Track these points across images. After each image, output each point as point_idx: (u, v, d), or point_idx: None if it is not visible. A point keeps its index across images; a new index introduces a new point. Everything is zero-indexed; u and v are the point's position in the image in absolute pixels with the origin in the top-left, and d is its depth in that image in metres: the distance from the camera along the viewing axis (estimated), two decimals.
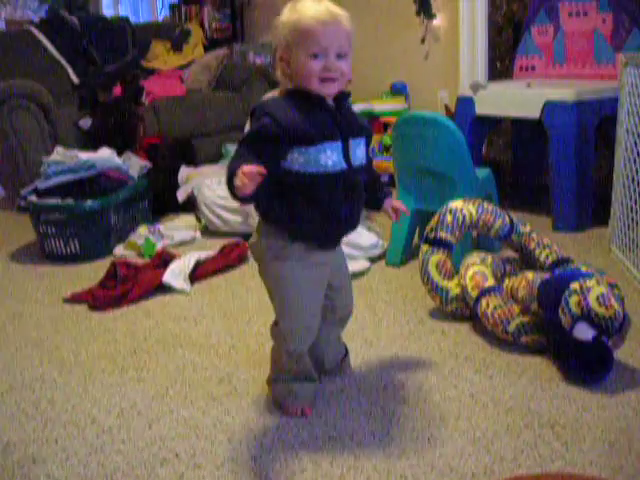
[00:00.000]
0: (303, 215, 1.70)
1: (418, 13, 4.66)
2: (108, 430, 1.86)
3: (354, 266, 2.85)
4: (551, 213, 3.38)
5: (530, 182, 4.02)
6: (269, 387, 1.96)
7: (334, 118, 1.69)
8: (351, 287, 1.98)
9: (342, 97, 1.73)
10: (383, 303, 2.58)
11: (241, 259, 3.10)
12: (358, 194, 1.78)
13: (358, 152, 1.74)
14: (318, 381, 1.96)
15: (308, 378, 1.91)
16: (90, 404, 2.00)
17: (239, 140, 1.66)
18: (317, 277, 1.80)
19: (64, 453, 1.77)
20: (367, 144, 1.80)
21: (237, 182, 1.51)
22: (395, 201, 1.96)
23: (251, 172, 1.49)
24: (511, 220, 2.49)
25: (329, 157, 1.67)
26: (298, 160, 1.65)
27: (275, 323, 1.87)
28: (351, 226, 1.80)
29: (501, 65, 4.48)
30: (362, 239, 3.00)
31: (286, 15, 1.69)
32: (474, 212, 2.43)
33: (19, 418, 1.95)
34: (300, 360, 1.88)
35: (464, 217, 2.42)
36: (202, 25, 6.07)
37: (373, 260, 3.02)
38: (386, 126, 4.57)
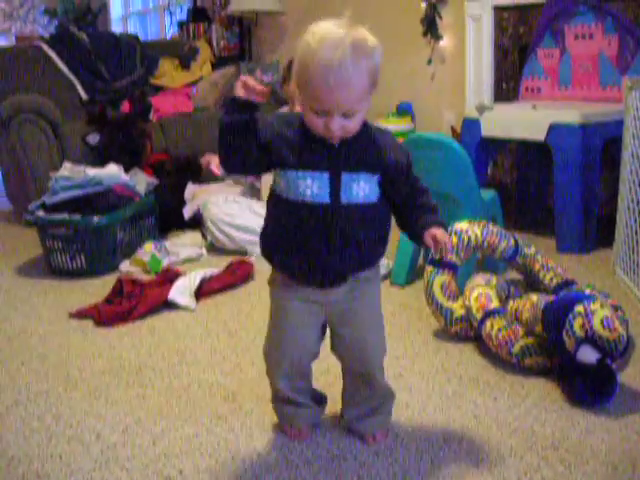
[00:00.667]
0: (279, 243, 1.62)
1: (425, 34, 4.69)
2: (112, 446, 1.86)
3: None
4: (555, 235, 3.39)
5: (535, 204, 4.03)
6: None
7: (329, 148, 1.54)
8: (372, 342, 1.74)
9: (354, 139, 1.56)
10: (387, 323, 2.52)
11: (247, 277, 3.11)
12: (348, 237, 1.58)
13: (356, 189, 1.56)
14: (315, 407, 1.87)
15: (302, 405, 1.83)
16: (95, 420, 2.00)
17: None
18: (304, 313, 1.68)
19: (68, 469, 1.77)
20: (395, 180, 1.62)
21: (239, 92, 1.49)
22: (436, 230, 1.64)
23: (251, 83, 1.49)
24: (516, 242, 2.50)
25: (308, 186, 1.55)
26: (280, 183, 1.58)
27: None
28: (335, 271, 1.61)
29: (507, 87, 4.50)
30: None
31: (302, 46, 1.47)
32: (479, 234, 2.45)
33: (24, 432, 1.96)
34: (290, 393, 1.80)
35: (469, 238, 2.43)
36: (210, 43, 6.12)
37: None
38: None
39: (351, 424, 1.85)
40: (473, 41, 4.40)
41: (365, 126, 1.58)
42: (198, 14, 6.53)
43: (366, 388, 1.79)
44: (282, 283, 1.68)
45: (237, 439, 1.87)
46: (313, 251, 1.58)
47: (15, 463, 1.81)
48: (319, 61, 1.42)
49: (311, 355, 1.76)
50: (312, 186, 1.54)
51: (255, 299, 2.89)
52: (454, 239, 2.43)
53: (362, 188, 1.57)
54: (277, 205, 1.61)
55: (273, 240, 1.63)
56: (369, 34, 1.48)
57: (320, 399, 1.90)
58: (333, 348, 1.77)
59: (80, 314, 2.78)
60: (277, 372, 1.77)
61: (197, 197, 3.81)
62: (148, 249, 3.32)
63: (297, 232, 1.58)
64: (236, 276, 3.03)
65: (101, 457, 1.82)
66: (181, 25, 6.66)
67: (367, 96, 1.49)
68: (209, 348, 2.46)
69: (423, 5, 4.68)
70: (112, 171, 3.45)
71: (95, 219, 3.24)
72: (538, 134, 3.34)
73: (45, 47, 5.01)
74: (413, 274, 2.98)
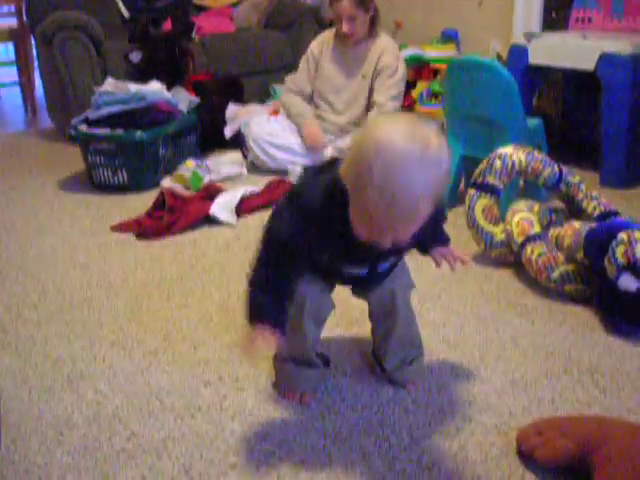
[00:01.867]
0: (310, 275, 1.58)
1: None
2: (154, 352, 1.91)
3: None
4: (599, 169, 3.34)
5: (579, 136, 3.96)
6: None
7: (361, 249, 1.37)
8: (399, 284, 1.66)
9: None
10: None
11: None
12: (382, 277, 1.61)
13: (388, 263, 1.58)
14: (322, 368, 1.76)
15: (310, 364, 1.72)
16: (137, 326, 2.05)
17: (265, 235, 1.50)
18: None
19: (111, 371, 1.83)
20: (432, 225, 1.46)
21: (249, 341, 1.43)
22: (444, 249, 1.67)
23: (265, 340, 1.41)
24: (560, 169, 2.47)
25: (351, 270, 1.55)
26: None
27: None
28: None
29: (557, 16, 4.38)
30: None
31: (365, 145, 1.21)
32: (524, 159, 2.42)
33: (68, 336, 2.02)
34: (301, 336, 1.65)
35: (513, 163, 2.41)
36: None
37: None
38: (436, 72, 4.53)
39: (392, 375, 1.75)
40: None
41: None
42: None
43: (394, 327, 1.68)
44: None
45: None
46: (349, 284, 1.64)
47: (60, 364, 1.87)
48: (383, 177, 1.18)
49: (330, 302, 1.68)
50: (354, 270, 1.54)
51: None
52: (498, 163, 2.40)
53: (394, 259, 1.59)
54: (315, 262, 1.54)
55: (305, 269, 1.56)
56: (436, 136, 1.22)
57: (325, 361, 1.81)
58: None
59: (122, 228, 2.81)
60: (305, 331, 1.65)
61: (238, 116, 3.80)
62: (190, 165, 3.33)
63: (334, 280, 1.62)
64: (276, 194, 3.03)
65: (143, 361, 1.86)
66: None
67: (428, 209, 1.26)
68: (249, 262, 2.47)
69: None
70: (155, 88, 3.44)
71: (138, 134, 3.25)
72: (587, 64, 3.26)
73: None
74: (454, 199, 2.96)
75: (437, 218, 1.60)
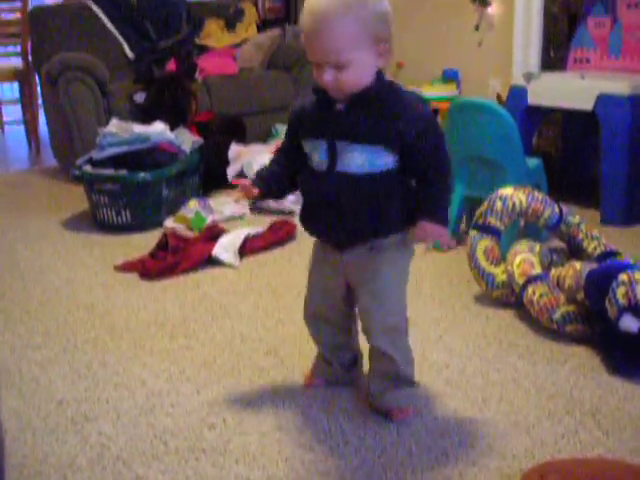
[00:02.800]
0: (304, 207, 1.73)
1: (473, 0, 4.64)
2: (157, 393, 1.92)
3: None
4: (600, 207, 3.37)
5: (579, 175, 3.99)
6: None
7: (336, 115, 1.58)
8: (384, 304, 1.70)
9: (363, 98, 1.56)
10: (428, 286, 2.61)
11: (289, 236, 3.13)
12: (344, 206, 1.61)
13: (352, 158, 1.58)
14: (337, 367, 1.89)
15: (324, 358, 1.90)
16: (140, 368, 2.06)
17: None
18: (326, 265, 1.75)
19: (115, 413, 1.83)
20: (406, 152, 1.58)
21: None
22: (428, 225, 1.60)
23: (244, 186, 1.73)
24: (560, 210, 2.49)
25: (314, 154, 1.63)
26: (306, 153, 1.68)
27: None
28: (343, 235, 1.66)
29: (555, 55, 4.45)
30: None
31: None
32: (524, 200, 2.44)
33: (72, 377, 2.03)
34: (313, 331, 1.88)
35: (514, 204, 2.43)
36: (256, 4, 6.10)
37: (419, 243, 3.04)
38: (436, 112, 4.57)
39: (374, 399, 1.80)
40: (522, 8, 4.35)
41: (383, 89, 1.58)
42: None
43: (382, 357, 1.74)
44: (316, 242, 1.79)
45: (279, 392, 1.91)
46: (324, 216, 1.66)
47: (64, 406, 1.88)
48: (307, 7, 1.50)
49: (335, 306, 1.79)
50: (316, 155, 1.63)
51: (297, 258, 2.91)
52: (499, 204, 2.43)
53: (357, 158, 1.58)
54: (303, 173, 1.70)
55: (302, 205, 1.74)
56: None
57: (349, 364, 1.91)
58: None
59: (125, 267, 2.83)
60: (306, 313, 1.86)
61: (241, 157, 3.84)
62: (192, 206, 3.35)
63: (310, 198, 1.70)
64: (279, 235, 3.05)
65: (147, 403, 1.87)
66: None
67: (362, 47, 1.49)
68: (252, 304, 2.50)
69: None
70: (158, 128, 3.48)
71: (141, 175, 3.29)
72: (586, 104, 3.30)
73: (93, 6, 5.03)
74: (456, 239, 2.98)
75: (431, 177, 1.60)
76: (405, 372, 1.77)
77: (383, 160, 1.58)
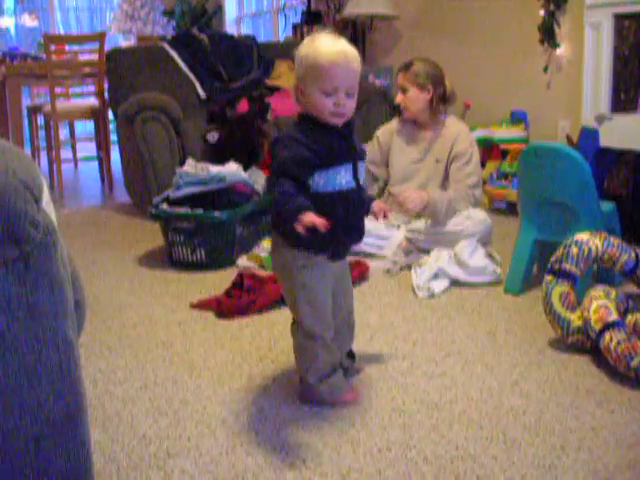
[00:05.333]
0: (321, 231, 1.83)
1: (542, 41, 4.67)
2: (238, 433, 1.95)
3: (433, 284, 3.01)
4: None
5: None
6: (307, 396, 2.11)
7: (346, 142, 1.94)
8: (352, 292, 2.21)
9: (349, 124, 1.95)
10: (503, 330, 2.61)
11: (362, 277, 3.18)
12: (363, 208, 2.04)
13: (362, 172, 1.99)
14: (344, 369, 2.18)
15: (337, 367, 2.10)
16: (220, 407, 2.10)
17: (275, 169, 1.92)
18: (329, 282, 2.04)
19: (197, 451, 1.88)
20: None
21: (299, 228, 1.78)
22: (379, 203, 2.10)
23: (313, 223, 1.77)
24: (637, 255, 2.48)
25: (343, 177, 1.93)
26: (319, 182, 1.89)
27: (297, 326, 2.07)
28: (359, 236, 2.08)
29: (625, 97, 4.43)
30: (472, 260, 3.06)
31: (304, 49, 1.90)
32: (600, 245, 2.44)
33: (153, 414, 2.08)
34: (332, 348, 2.07)
35: (590, 250, 2.43)
36: None
37: (490, 286, 3.05)
38: (505, 153, 4.58)
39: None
40: (592, 50, 4.35)
41: (350, 122, 1.96)
42: (312, 17, 6.65)
43: (351, 330, 2.21)
44: (320, 264, 1.98)
45: (357, 433, 1.93)
46: (349, 226, 1.99)
47: (146, 441, 1.93)
48: (327, 49, 1.85)
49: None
50: (345, 176, 1.93)
51: (370, 299, 2.95)
52: (574, 249, 2.43)
53: (362, 173, 2.00)
54: (315, 200, 1.86)
55: (312, 229, 1.82)
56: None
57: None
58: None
59: (201, 305, 2.90)
60: (327, 332, 2.05)
61: None
62: (265, 246, 3.42)
63: (337, 215, 1.91)
64: (352, 275, 3.08)
65: (227, 442, 1.91)
66: (295, 27, 6.78)
67: (357, 84, 1.91)
68: None
69: (541, 13, 4.66)
70: (233, 169, 3.57)
71: (217, 214, 3.37)
72: None
73: (168, 47, 5.20)
74: (528, 282, 2.98)
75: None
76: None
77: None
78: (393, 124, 3.73)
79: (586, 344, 2.37)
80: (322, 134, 1.90)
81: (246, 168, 3.79)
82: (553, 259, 2.47)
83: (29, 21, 9.66)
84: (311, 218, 1.77)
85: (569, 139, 4.29)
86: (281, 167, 1.88)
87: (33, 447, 1.33)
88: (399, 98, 3.54)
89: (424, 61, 3.50)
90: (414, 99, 3.48)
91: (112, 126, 5.91)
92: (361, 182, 1.99)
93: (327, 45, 1.87)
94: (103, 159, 5.91)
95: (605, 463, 1.78)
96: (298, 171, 1.86)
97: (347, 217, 1.96)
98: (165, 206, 3.46)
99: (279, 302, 2.85)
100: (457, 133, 3.48)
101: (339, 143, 1.93)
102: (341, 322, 2.14)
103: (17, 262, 1.24)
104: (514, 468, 1.76)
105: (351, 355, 2.28)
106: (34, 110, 6.52)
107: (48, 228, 1.27)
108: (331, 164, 1.90)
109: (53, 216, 1.33)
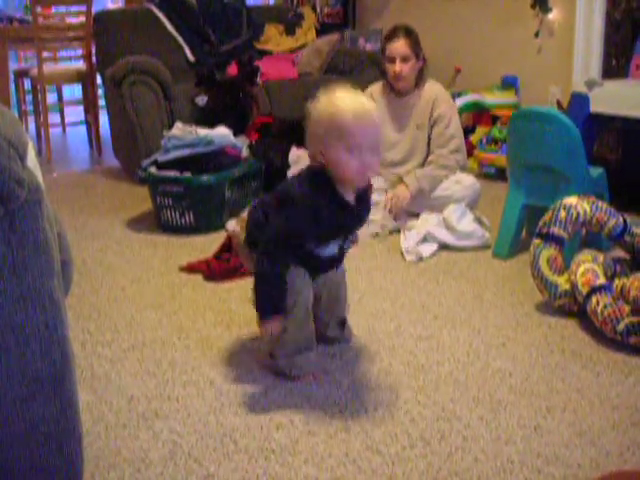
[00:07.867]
0: (293, 270, 1.95)
1: (533, 6, 4.63)
2: (226, 393, 1.97)
3: (422, 247, 3.02)
4: None
5: None
6: (272, 368, 2.08)
7: (349, 217, 1.96)
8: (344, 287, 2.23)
9: (365, 191, 1.97)
10: (490, 293, 2.62)
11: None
12: (341, 260, 2.12)
13: (348, 241, 2.07)
14: (316, 349, 2.09)
15: (308, 347, 2.04)
16: (208, 367, 2.11)
17: (270, 233, 1.91)
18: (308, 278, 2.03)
19: (185, 411, 1.89)
20: None
21: (263, 330, 1.93)
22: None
23: (275, 332, 1.92)
24: (625, 220, 2.49)
25: (329, 249, 2.00)
26: (303, 247, 1.95)
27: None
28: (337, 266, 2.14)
29: (617, 63, 4.41)
30: (460, 225, 3.06)
31: (322, 106, 1.84)
32: (588, 209, 2.44)
33: (142, 375, 2.09)
34: (303, 325, 2.02)
35: (578, 214, 2.43)
36: (314, 9, 6.15)
37: (478, 250, 3.06)
38: (495, 119, 4.57)
39: (334, 336, 2.23)
40: (583, 14, 4.33)
41: (366, 188, 1.99)
42: None
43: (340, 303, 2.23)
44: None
45: (344, 394, 1.95)
46: (322, 270, 2.08)
47: (135, 402, 1.94)
48: (344, 107, 1.81)
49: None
50: (331, 249, 2.00)
51: (359, 262, 2.94)
52: (562, 213, 2.43)
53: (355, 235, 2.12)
54: (298, 255, 1.95)
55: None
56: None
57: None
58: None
59: (190, 268, 2.90)
60: (307, 315, 2.03)
61: (301, 160, 3.88)
62: None
63: (310, 267, 2.00)
64: None
65: (215, 402, 1.92)
66: None
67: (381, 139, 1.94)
68: None
69: None
70: (222, 132, 3.54)
71: (205, 178, 3.35)
72: None
73: (155, 10, 5.12)
74: (516, 247, 2.99)
75: None
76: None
77: None
78: (374, 90, 3.56)
79: (573, 307, 2.38)
80: (330, 205, 1.87)
81: (235, 131, 3.77)
82: (541, 223, 2.48)
83: None
84: (275, 328, 1.90)
85: (559, 104, 4.27)
86: (278, 235, 1.89)
87: (20, 407, 1.33)
88: (398, 67, 3.33)
89: (409, 26, 3.41)
90: (412, 69, 3.37)
91: (101, 91, 5.85)
92: (345, 247, 2.07)
93: (347, 101, 1.82)
94: (91, 123, 5.85)
95: (590, 424, 1.80)
96: (291, 241, 1.90)
97: (324, 268, 2.07)
98: (154, 169, 3.44)
99: None
100: (435, 96, 3.40)
101: (348, 220, 1.97)
102: (327, 297, 2.16)
103: (2, 221, 1.23)
104: (500, 429, 1.78)
105: (341, 324, 2.24)
106: (21, 74, 6.42)
107: (33, 186, 1.26)
108: (326, 241, 1.97)
109: (40, 176, 1.32)
